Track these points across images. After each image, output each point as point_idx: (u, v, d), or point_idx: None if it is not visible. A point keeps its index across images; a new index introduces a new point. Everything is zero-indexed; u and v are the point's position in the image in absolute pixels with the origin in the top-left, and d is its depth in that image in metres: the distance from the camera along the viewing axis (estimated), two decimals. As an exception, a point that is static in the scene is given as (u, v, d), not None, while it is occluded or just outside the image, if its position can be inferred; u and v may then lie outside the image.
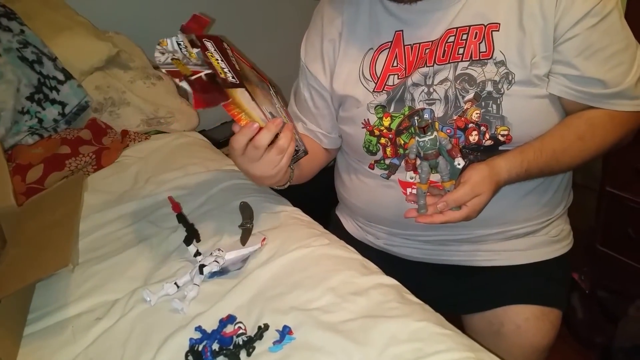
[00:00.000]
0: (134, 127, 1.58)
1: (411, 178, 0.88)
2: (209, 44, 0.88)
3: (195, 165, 1.34)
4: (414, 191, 0.88)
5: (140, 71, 1.69)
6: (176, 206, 1.01)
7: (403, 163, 0.95)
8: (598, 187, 1.71)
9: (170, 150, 1.46)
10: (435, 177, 0.89)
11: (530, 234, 1.06)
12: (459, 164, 0.85)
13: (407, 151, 0.88)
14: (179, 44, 0.84)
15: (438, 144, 0.85)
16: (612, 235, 1.73)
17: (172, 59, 0.82)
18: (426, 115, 0.91)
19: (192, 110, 1.68)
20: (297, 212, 1.13)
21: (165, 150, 1.45)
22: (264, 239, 0.98)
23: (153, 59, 1.75)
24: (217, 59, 0.85)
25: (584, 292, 1.76)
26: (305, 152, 1.01)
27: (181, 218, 1.01)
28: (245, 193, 1.17)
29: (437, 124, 0.93)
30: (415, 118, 0.84)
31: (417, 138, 0.84)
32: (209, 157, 1.41)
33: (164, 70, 0.84)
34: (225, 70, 0.84)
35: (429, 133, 0.84)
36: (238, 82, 0.83)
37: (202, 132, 2.03)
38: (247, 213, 1.09)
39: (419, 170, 0.87)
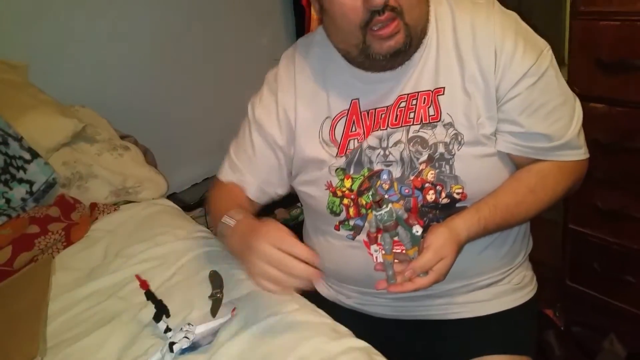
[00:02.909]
0: (102, 199, 1.59)
1: (375, 251, 0.92)
2: None
3: (164, 234, 1.35)
4: (380, 259, 0.91)
5: (107, 143, 1.71)
6: (144, 283, 1.01)
7: (365, 237, 0.98)
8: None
9: (139, 220, 1.47)
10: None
11: (493, 284, 1.09)
12: (417, 231, 0.89)
13: (367, 225, 0.91)
14: None
15: (394, 215, 0.88)
16: (580, 271, 1.77)
17: None
18: (385, 176, 0.96)
19: (161, 178, 1.70)
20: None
21: (134, 221, 1.47)
22: (234, 309, 0.99)
23: (119, 129, 1.81)
24: None
25: (559, 328, 1.78)
26: None
27: (149, 295, 1.01)
28: (215, 261, 1.18)
29: (395, 184, 0.97)
30: (370, 194, 0.88)
31: (374, 212, 0.88)
32: (178, 224, 1.43)
33: None
34: None
35: (385, 206, 0.88)
36: None
37: (172, 195, 2.06)
38: (216, 282, 1.09)
39: (382, 242, 0.89)
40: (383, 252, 0.90)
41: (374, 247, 0.93)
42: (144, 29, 2.02)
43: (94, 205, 1.54)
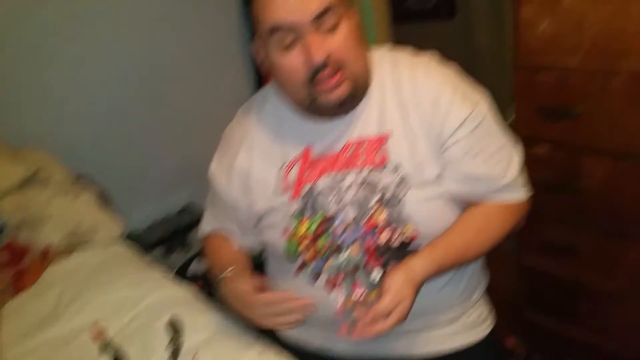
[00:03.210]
0: (56, 244, 1.54)
1: (335, 297, 0.93)
2: None
3: (119, 280, 1.32)
4: (342, 305, 0.93)
5: (61, 185, 1.67)
6: (98, 335, 0.99)
7: (325, 282, 0.99)
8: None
9: (93, 265, 1.43)
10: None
11: (454, 321, 1.12)
12: (376, 275, 0.92)
13: (326, 272, 0.93)
14: None
15: (353, 260, 0.91)
16: (535, 301, 1.84)
17: None
18: (339, 220, 0.98)
19: (116, 220, 1.67)
20: (228, 319, 1.14)
21: (89, 266, 1.43)
22: (195, 356, 0.98)
23: (73, 171, 1.78)
24: None
25: (521, 357, 1.84)
26: None
27: (105, 346, 0.99)
28: (173, 306, 1.17)
29: (350, 227, 1.00)
30: (326, 236, 0.90)
31: (332, 260, 0.90)
32: (135, 269, 1.40)
33: None
34: None
35: (343, 251, 0.90)
36: None
37: (129, 235, 2.01)
38: (175, 328, 1.08)
39: (342, 288, 0.92)
40: (343, 297, 0.92)
41: (334, 292, 0.93)
42: (99, 69, 1.99)
43: (46, 251, 1.49)
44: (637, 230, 1.46)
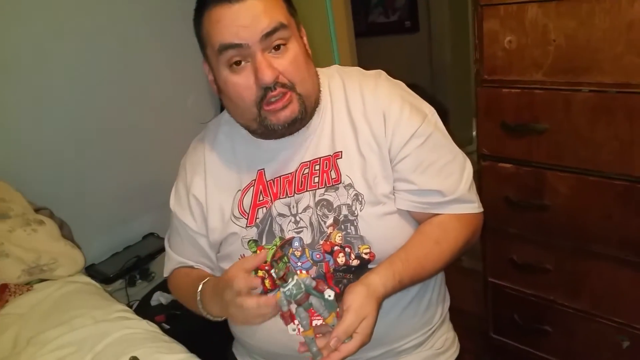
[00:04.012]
0: (14, 280, 1.50)
1: (293, 330, 0.89)
2: None
3: (80, 317, 1.29)
4: (301, 338, 0.88)
5: (20, 218, 1.62)
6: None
7: (279, 315, 0.96)
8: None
9: (53, 301, 1.40)
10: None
11: (417, 348, 1.10)
12: (329, 296, 0.87)
13: (279, 303, 0.89)
14: None
15: (303, 285, 0.87)
16: (502, 323, 1.83)
17: None
18: (296, 244, 0.97)
19: (77, 252, 1.63)
20: (192, 358, 1.11)
21: (48, 303, 1.39)
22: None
23: (34, 202, 1.73)
24: None
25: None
26: None
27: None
28: (135, 345, 1.14)
29: (307, 250, 0.98)
30: (273, 271, 0.87)
31: (281, 289, 0.86)
32: (96, 304, 1.37)
33: None
34: None
35: (290, 279, 0.86)
36: None
37: (91, 266, 1.98)
38: (136, 369, 1.05)
39: (298, 318, 0.88)
40: (301, 329, 0.88)
41: (291, 326, 0.89)
42: (59, 96, 1.95)
43: (4, 287, 1.45)
44: (602, 247, 1.46)
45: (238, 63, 0.93)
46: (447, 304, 1.20)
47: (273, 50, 0.93)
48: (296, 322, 0.90)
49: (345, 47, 2.53)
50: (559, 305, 1.63)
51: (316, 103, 1.03)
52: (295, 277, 0.87)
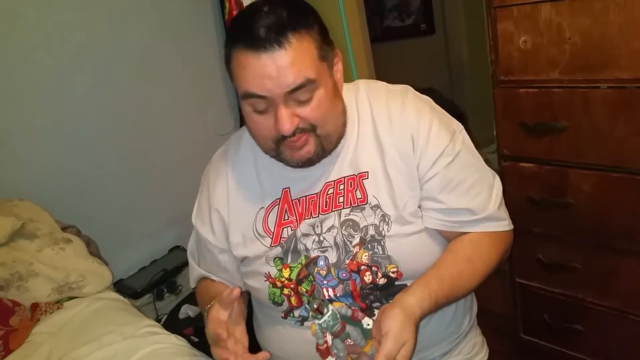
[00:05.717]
0: (44, 298, 1.53)
1: None
2: None
3: (109, 334, 1.31)
4: None
5: (48, 238, 1.66)
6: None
7: (315, 349, 0.91)
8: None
9: (83, 319, 1.42)
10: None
11: (446, 355, 1.10)
12: (368, 324, 0.85)
13: (314, 337, 0.86)
14: None
15: (339, 316, 0.84)
16: (532, 323, 1.80)
17: None
18: (321, 263, 0.96)
19: (105, 269, 1.66)
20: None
21: (78, 320, 1.42)
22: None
23: (60, 221, 1.77)
24: None
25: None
26: None
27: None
28: (163, 358, 1.15)
29: (332, 269, 0.98)
30: (305, 305, 0.85)
31: (316, 322, 0.83)
32: (125, 320, 1.39)
33: None
34: None
35: (325, 310, 0.83)
36: None
37: (119, 282, 2.01)
38: (166, 384, 1.07)
39: (334, 351, 0.84)
40: None
41: (329, 359, 0.85)
42: (83, 113, 1.99)
43: (35, 306, 1.48)
44: (629, 243, 1.44)
45: (261, 110, 0.92)
46: (475, 310, 1.19)
47: (297, 102, 0.91)
48: (334, 356, 0.86)
49: (361, 54, 2.52)
50: (589, 304, 1.60)
51: (338, 139, 1.01)
52: (331, 307, 0.84)
